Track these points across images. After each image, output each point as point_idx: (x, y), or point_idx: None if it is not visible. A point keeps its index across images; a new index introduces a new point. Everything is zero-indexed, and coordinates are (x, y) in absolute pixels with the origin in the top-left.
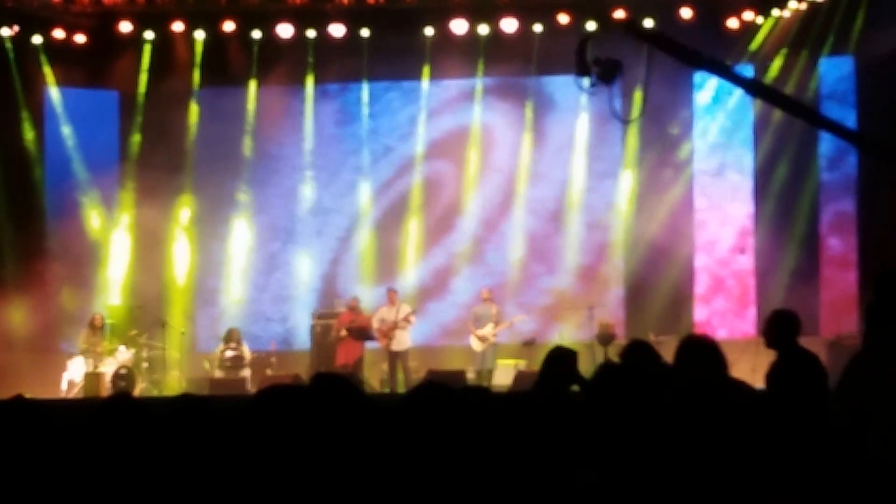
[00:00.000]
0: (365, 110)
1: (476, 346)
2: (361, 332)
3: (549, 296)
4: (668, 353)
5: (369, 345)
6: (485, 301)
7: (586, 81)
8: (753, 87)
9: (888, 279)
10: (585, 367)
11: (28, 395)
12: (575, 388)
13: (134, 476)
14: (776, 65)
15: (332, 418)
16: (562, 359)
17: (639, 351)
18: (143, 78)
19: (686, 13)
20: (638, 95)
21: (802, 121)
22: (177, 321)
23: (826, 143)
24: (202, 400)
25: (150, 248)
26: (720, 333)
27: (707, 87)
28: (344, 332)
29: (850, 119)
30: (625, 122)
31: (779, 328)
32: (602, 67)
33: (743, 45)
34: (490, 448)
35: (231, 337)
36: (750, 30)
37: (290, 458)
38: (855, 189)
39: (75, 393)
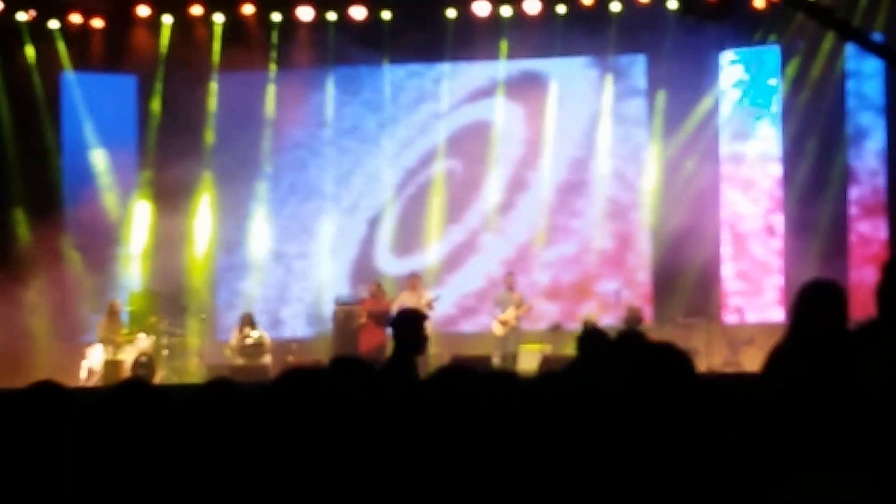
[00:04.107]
0: (387, 93)
1: (498, 330)
2: (384, 318)
3: (575, 279)
4: (697, 335)
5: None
6: (508, 286)
7: (693, 18)
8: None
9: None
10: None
11: None
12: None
13: (146, 465)
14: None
15: (351, 402)
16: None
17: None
18: (162, 62)
19: None
20: (661, 100)
21: None
22: (197, 308)
23: (853, 125)
24: (231, 385)
25: (169, 234)
26: (748, 317)
27: (733, 68)
28: (364, 319)
29: (877, 99)
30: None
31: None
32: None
33: (769, 25)
34: (516, 435)
35: (245, 321)
36: (776, 8)
37: (310, 443)
38: (884, 171)
39: (95, 381)
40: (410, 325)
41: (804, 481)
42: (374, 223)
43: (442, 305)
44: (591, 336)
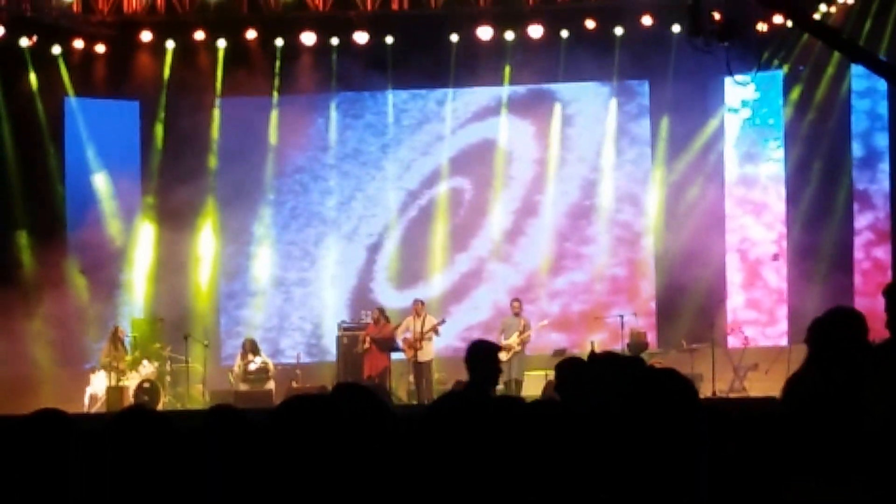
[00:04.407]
0: (390, 118)
1: (502, 355)
2: (388, 344)
3: (579, 305)
4: (700, 361)
5: (395, 356)
6: (514, 312)
7: (700, 41)
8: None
9: None
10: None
11: None
12: None
13: (150, 492)
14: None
15: (354, 428)
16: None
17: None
18: (165, 87)
19: (715, 17)
20: (664, 124)
21: None
22: (200, 334)
23: (858, 150)
24: (233, 412)
25: (172, 260)
26: (752, 342)
27: (738, 91)
28: (368, 344)
29: (881, 120)
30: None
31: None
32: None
33: (774, 49)
34: (519, 458)
35: (248, 348)
36: (779, 33)
37: (314, 468)
38: (889, 196)
39: (98, 408)
40: (485, 356)
41: (803, 486)
42: (375, 251)
43: (446, 338)
44: (568, 363)
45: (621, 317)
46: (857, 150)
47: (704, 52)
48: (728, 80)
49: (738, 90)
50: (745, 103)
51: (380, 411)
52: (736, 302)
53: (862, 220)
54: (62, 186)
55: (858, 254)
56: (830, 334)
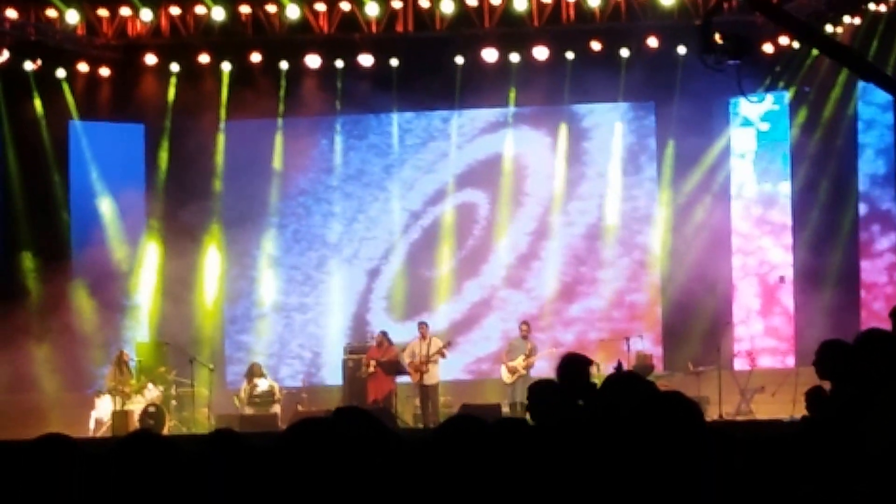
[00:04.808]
0: (395, 141)
1: (506, 377)
2: (393, 367)
3: (585, 327)
4: (706, 384)
5: (401, 379)
6: (522, 334)
7: (711, 59)
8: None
9: None
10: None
11: None
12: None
13: None
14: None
15: (354, 453)
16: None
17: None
18: (169, 110)
19: (717, 37)
20: (670, 146)
21: None
22: (206, 357)
23: (865, 170)
24: (236, 437)
25: (177, 284)
26: (760, 364)
27: (743, 112)
28: (373, 368)
29: (887, 140)
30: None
31: (831, 358)
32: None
33: (780, 69)
34: (525, 481)
35: (253, 372)
36: (785, 54)
37: (321, 493)
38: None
39: (103, 432)
40: (576, 370)
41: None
42: (376, 278)
43: (453, 371)
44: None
45: (627, 339)
46: (879, 167)
47: (716, 69)
48: (733, 103)
49: (743, 114)
50: (748, 127)
51: (381, 435)
52: (741, 323)
53: (885, 242)
54: (67, 210)
55: (881, 277)
56: (865, 355)
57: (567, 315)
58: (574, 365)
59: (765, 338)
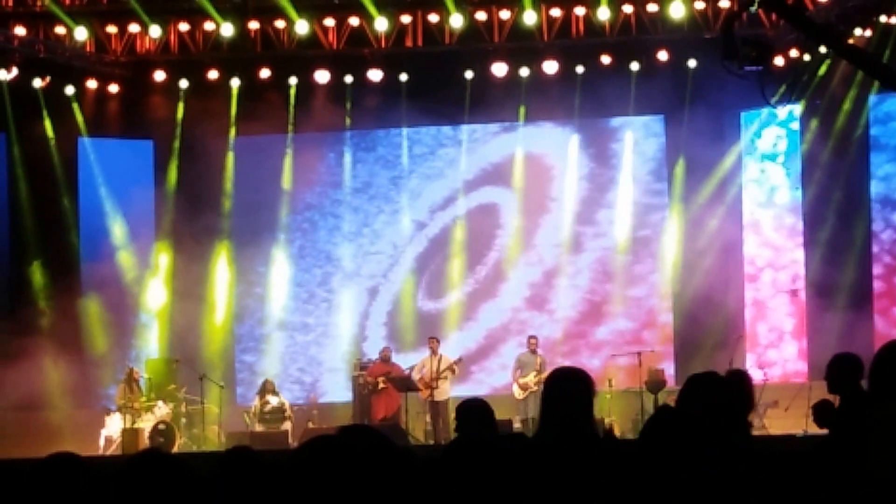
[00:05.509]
0: (405, 156)
1: (518, 393)
2: (403, 383)
3: (596, 343)
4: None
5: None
6: (531, 349)
7: (734, 64)
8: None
9: None
10: (634, 413)
11: None
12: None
13: None
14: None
15: (362, 471)
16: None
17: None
18: (179, 126)
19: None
20: (680, 164)
21: None
22: (216, 374)
23: (877, 184)
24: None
25: (187, 301)
26: (772, 377)
27: (754, 125)
28: (383, 383)
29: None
30: (771, 103)
31: (842, 372)
32: (753, 48)
33: (790, 85)
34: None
35: (266, 389)
36: (796, 68)
37: None
38: None
39: (113, 450)
40: (741, 385)
41: None
42: (392, 292)
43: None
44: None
45: (638, 354)
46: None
47: (738, 76)
48: (744, 116)
49: (753, 127)
50: (759, 140)
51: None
52: (753, 337)
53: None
54: (76, 226)
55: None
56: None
57: (574, 332)
58: (740, 381)
59: (777, 351)
